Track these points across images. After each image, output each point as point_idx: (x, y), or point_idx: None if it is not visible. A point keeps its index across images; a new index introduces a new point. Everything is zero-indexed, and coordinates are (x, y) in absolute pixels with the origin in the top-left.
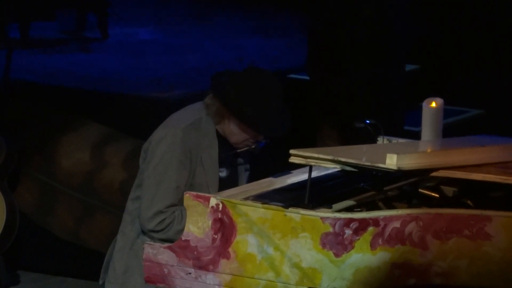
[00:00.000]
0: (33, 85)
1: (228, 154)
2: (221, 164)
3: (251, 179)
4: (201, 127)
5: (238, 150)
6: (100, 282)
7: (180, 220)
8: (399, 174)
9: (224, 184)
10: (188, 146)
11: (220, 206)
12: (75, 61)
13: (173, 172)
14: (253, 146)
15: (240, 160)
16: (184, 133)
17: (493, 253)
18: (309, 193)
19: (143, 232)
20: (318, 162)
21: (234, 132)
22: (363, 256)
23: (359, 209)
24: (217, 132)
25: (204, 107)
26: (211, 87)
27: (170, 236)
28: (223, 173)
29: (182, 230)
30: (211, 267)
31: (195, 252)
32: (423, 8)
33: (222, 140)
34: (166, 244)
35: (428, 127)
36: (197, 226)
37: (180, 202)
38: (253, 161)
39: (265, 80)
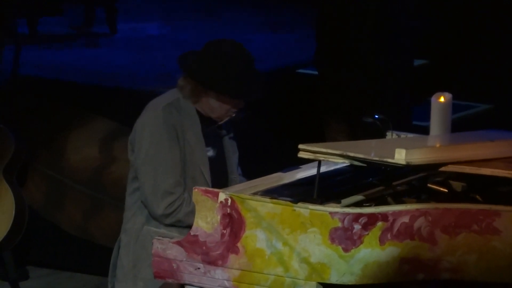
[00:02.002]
0: (42, 80)
1: (212, 128)
2: (206, 143)
3: (259, 174)
4: (180, 106)
5: (220, 122)
6: (109, 286)
7: (188, 202)
8: (408, 169)
9: (213, 165)
10: (172, 123)
11: (229, 201)
12: (83, 56)
13: (165, 151)
14: (233, 115)
15: (225, 140)
16: (164, 112)
17: (502, 248)
18: (317, 188)
19: (152, 220)
20: (327, 157)
21: (215, 107)
22: (372, 251)
23: (368, 204)
24: (197, 110)
25: (178, 90)
26: (181, 68)
27: (180, 218)
28: (210, 153)
29: (191, 212)
30: (220, 262)
31: (204, 247)
32: (432, 3)
33: (202, 117)
34: (175, 239)
35: (436, 122)
36: (206, 221)
37: (182, 178)
38: (241, 143)
39: (229, 47)
